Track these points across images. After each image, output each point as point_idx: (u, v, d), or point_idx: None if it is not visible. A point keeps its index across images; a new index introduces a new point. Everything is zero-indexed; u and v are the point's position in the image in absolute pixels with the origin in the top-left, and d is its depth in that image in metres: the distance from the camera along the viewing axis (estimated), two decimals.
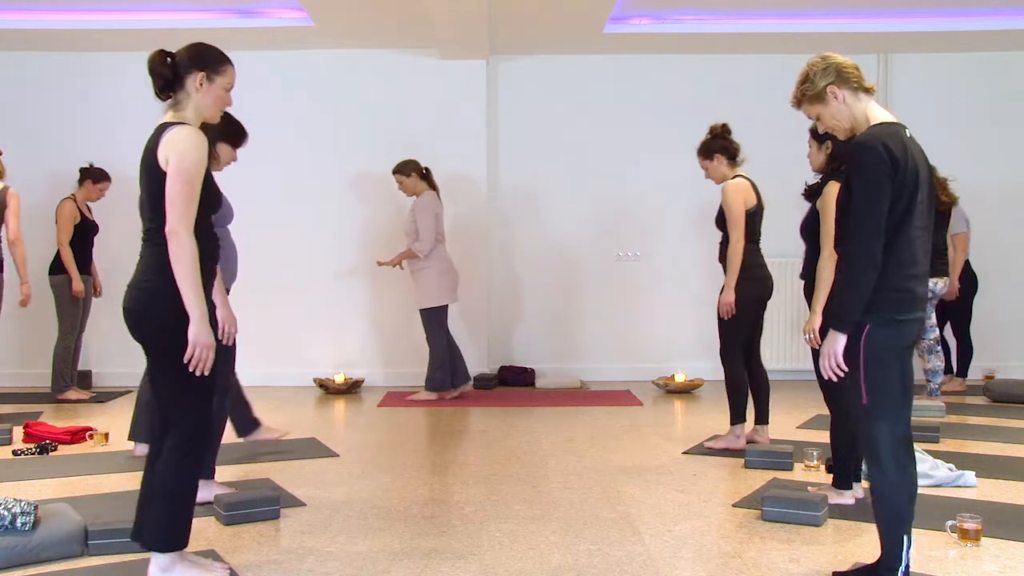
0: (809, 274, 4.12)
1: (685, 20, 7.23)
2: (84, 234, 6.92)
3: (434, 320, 6.73)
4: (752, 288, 4.95)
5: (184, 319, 2.89)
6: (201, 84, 3.01)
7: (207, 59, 3.03)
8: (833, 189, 3.86)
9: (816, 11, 6.99)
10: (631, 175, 7.84)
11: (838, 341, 2.78)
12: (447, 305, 6.78)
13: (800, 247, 4.24)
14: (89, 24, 6.97)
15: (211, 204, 3.06)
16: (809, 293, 4.13)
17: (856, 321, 2.76)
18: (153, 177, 2.94)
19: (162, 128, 2.96)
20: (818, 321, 3.94)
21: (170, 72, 2.99)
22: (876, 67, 7.66)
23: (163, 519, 2.94)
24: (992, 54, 7.75)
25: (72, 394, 6.84)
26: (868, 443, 2.82)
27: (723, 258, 5.08)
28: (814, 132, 4.14)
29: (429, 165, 6.93)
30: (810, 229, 4.06)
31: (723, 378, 5.08)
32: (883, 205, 2.71)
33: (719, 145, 5.06)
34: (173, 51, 3.03)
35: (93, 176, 6.90)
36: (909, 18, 7.14)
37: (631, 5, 6.96)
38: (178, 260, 2.86)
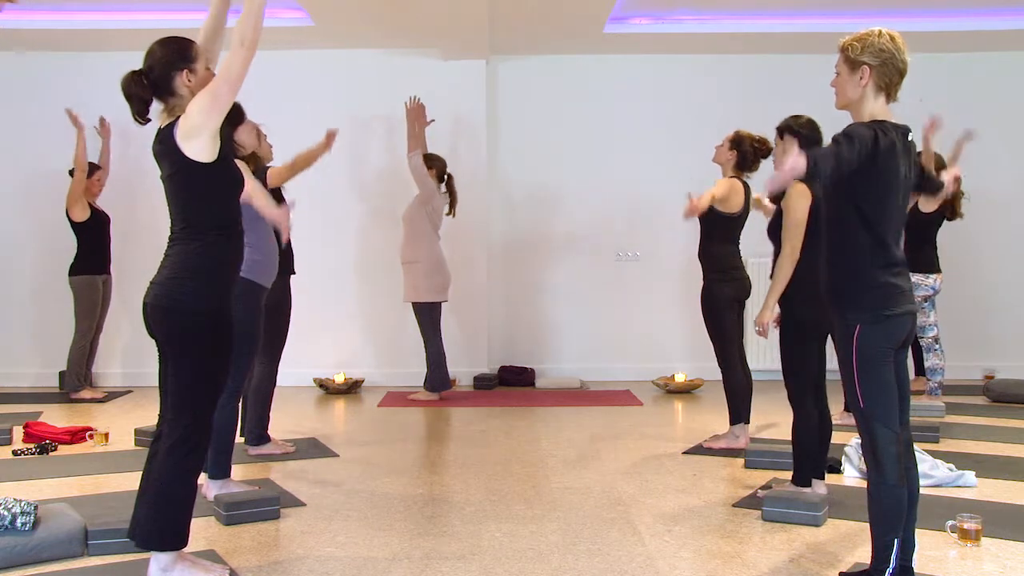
0: None
1: (685, 20, 7.23)
2: (99, 227, 6.88)
3: (426, 316, 6.70)
4: (732, 288, 5.02)
5: (207, 320, 2.96)
6: (189, 79, 3.03)
7: (184, 54, 3.05)
8: (796, 189, 3.90)
9: (816, 11, 6.98)
10: (631, 175, 7.84)
11: (798, 163, 2.56)
12: (440, 303, 6.78)
13: None
14: (88, 24, 6.97)
15: (236, 187, 3.11)
16: (784, 293, 4.05)
17: (819, 171, 2.61)
18: (181, 173, 2.98)
19: (170, 128, 2.98)
20: (768, 315, 3.97)
21: (150, 92, 3.01)
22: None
23: (162, 519, 2.94)
24: (992, 54, 7.75)
25: (87, 393, 6.86)
26: (868, 445, 2.81)
27: (702, 256, 5.14)
28: (780, 131, 4.15)
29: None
30: (778, 230, 4.06)
31: (722, 378, 5.10)
32: (863, 151, 2.68)
33: (745, 150, 5.05)
34: (140, 68, 3.04)
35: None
36: (909, 18, 7.13)
37: (631, 5, 6.96)
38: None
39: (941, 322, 6.50)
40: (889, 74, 2.86)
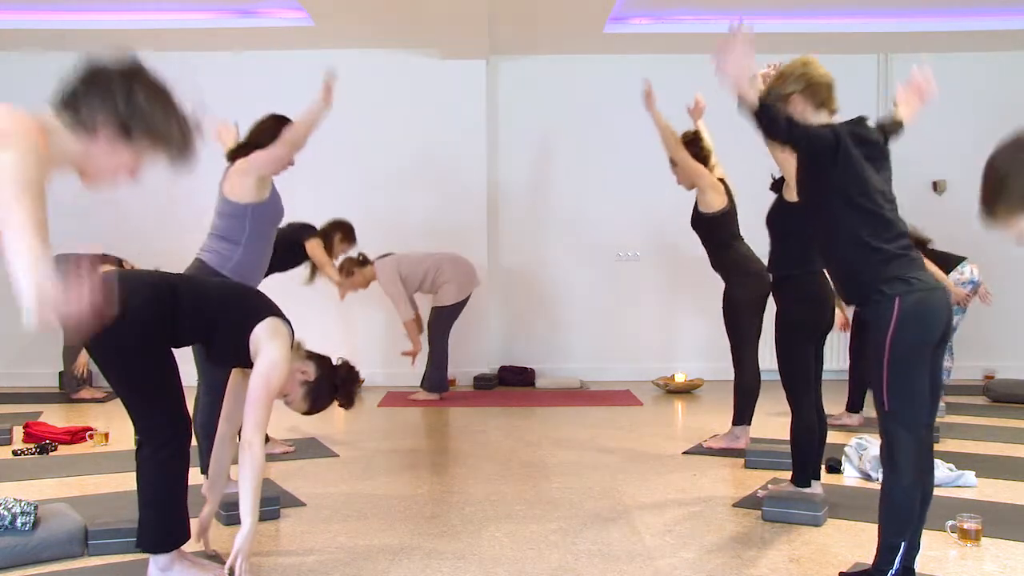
0: (777, 268, 4.03)
1: (685, 20, 7.24)
2: None
3: (444, 319, 6.74)
4: (750, 290, 4.93)
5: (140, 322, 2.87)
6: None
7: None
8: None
9: (816, 11, 6.99)
10: (631, 175, 7.83)
11: (749, 95, 2.69)
12: (461, 306, 6.78)
13: None
14: (89, 24, 6.96)
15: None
16: (779, 289, 4.01)
17: (752, 104, 2.70)
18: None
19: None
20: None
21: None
22: (876, 67, 7.65)
23: (154, 522, 2.94)
24: (992, 54, 7.75)
25: (86, 393, 6.87)
26: (888, 446, 2.77)
27: (716, 265, 5.09)
28: None
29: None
30: (775, 221, 4.04)
31: (725, 378, 5.09)
32: (818, 142, 2.76)
33: (691, 152, 5.08)
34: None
35: None
36: (909, 18, 7.14)
37: (631, 5, 6.96)
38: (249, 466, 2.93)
39: None
40: (817, 91, 2.97)
